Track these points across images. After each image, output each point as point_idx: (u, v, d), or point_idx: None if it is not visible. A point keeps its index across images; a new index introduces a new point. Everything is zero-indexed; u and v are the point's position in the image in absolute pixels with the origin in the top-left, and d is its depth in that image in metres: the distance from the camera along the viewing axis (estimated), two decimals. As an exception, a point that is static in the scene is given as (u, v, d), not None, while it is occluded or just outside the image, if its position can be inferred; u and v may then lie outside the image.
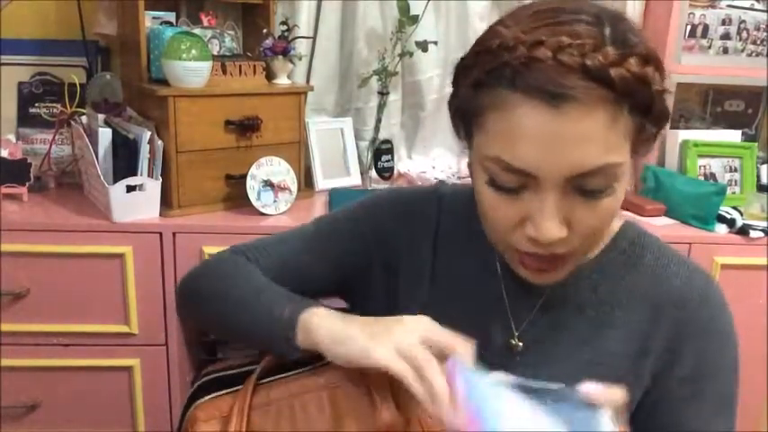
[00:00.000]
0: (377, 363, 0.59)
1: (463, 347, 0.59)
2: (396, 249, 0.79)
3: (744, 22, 1.74)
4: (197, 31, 1.48)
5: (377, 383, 0.65)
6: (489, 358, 0.61)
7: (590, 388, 0.52)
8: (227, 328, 0.78)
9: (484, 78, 0.57)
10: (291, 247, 0.81)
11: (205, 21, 1.53)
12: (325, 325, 0.65)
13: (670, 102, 1.82)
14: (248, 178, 1.40)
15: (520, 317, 0.73)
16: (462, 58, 0.62)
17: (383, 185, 1.71)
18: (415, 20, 1.61)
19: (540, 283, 0.66)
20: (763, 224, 1.50)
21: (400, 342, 0.59)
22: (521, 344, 0.72)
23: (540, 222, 0.57)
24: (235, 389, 0.72)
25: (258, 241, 0.83)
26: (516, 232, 0.60)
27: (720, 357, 0.70)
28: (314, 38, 1.69)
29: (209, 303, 0.78)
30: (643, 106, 0.56)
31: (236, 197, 1.43)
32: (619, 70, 0.52)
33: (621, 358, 0.69)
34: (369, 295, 0.80)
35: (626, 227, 0.74)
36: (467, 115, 0.62)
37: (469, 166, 0.66)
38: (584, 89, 0.52)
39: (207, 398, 0.73)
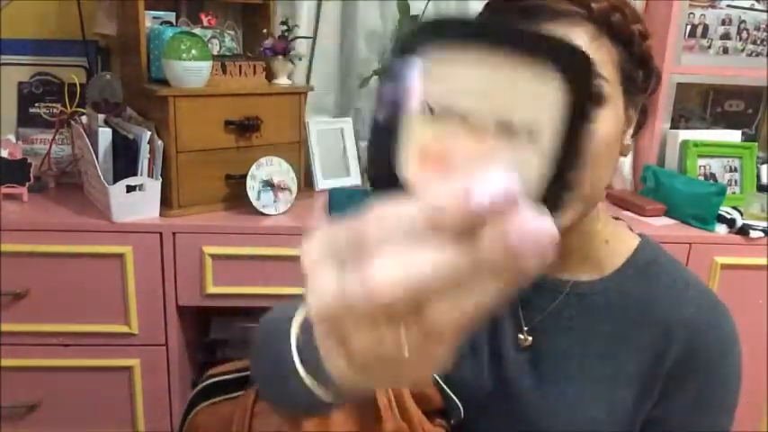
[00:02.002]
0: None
1: None
2: None
3: (744, 22, 1.74)
4: (197, 30, 1.48)
5: (380, 392, 0.64)
6: (500, 350, 0.70)
7: None
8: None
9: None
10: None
11: (205, 21, 1.53)
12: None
13: (670, 101, 1.82)
14: (248, 178, 1.40)
15: (530, 316, 0.73)
16: None
17: (383, 185, 1.71)
18: (414, 20, 1.61)
19: None
20: (763, 224, 1.49)
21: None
22: (530, 338, 0.72)
23: None
24: (236, 394, 0.72)
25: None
26: None
27: (723, 394, 0.70)
28: (314, 38, 1.69)
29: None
30: (622, 37, 0.62)
31: (236, 197, 1.43)
32: (598, 3, 0.61)
33: (635, 377, 0.69)
34: None
35: (643, 246, 0.74)
36: None
37: None
38: (567, 9, 0.60)
39: (207, 403, 0.73)
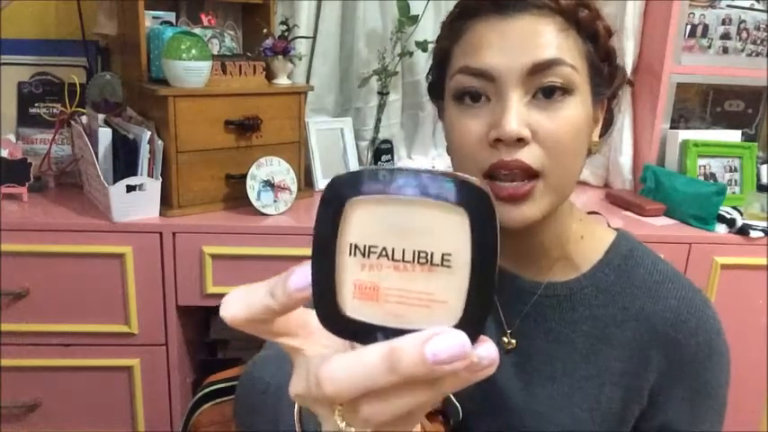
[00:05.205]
0: None
1: None
2: None
3: (744, 21, 1.74)
4: (197, 30, 1.48)
5: None
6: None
7: None
8: None
9: (450, 25, 0.67)
10: None
11: (205, 20, 1.53)
12: None
13: (670, 101, 1.82)
14: (248, 178, 1.40)
15: (511, 319, 0.73)
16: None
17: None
18: (414, 20, 1.61)
19: (514, 222, 0.62)
20: (762, 224, 1.50)
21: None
22: (513, 341, 0.72)
23: (502, 119, 0.60)
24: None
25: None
26: (483, 150, 0.62)
27: (718, 377, 0.70)
28: (314, 38, 1.69)
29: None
30: (589, 32, 0.63)
31: (236, 197, 1.43)
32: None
33: (621, 376, 0.68)
34: None
35: (618, 240, 0.73)
36: (440, 71, 0.68)
37: (443, 121, 0.69)
38: (534, 4, 0.61)
39: (210, 404, 0.73)
